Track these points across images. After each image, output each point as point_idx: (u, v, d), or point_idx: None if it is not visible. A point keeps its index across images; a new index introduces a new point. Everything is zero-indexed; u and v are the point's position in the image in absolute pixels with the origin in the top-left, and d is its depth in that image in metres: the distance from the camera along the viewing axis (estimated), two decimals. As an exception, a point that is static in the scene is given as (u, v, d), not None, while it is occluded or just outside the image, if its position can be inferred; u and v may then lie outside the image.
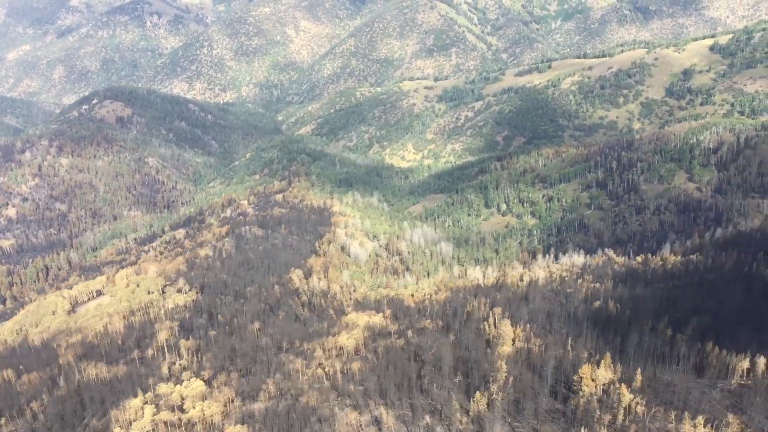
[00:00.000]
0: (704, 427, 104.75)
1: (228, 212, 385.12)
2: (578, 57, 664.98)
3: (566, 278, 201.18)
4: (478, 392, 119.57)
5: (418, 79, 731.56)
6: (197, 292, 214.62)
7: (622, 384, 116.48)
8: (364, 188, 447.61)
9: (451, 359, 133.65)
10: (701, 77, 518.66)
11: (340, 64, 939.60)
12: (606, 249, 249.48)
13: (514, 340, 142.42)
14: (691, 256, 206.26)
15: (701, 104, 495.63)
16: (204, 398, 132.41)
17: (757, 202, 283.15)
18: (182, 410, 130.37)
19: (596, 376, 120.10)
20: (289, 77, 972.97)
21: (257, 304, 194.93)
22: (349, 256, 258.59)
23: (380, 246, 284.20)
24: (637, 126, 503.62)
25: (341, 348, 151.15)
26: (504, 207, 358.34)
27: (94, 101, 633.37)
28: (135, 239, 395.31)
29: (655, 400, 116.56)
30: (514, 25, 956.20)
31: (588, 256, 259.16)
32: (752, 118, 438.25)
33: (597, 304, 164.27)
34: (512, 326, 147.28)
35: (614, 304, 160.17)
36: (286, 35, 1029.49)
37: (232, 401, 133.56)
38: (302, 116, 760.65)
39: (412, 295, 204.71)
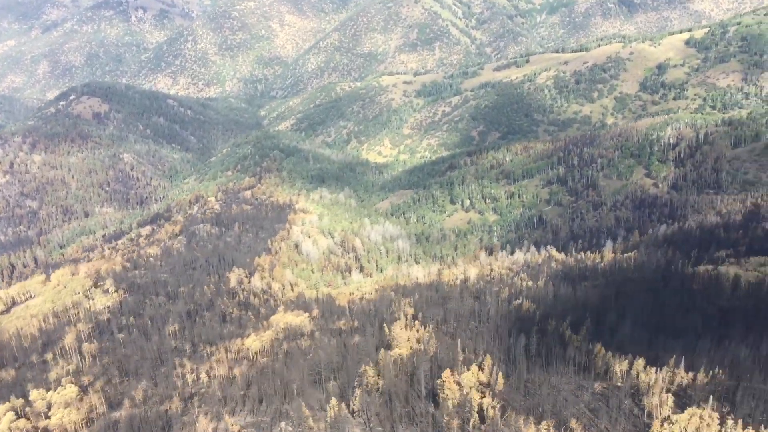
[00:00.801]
0: (550, 431, 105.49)
1: (195, 209, 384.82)
2: (557, 51, 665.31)
3: (504, 276, 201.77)
4: (333, 398, 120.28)
5: (397, 73, 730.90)
6: (125, 293, 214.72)
7: (472, 388, 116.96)
8: (337, 184, 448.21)
9: (327, 363, 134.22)
10: (675, 71, 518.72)
11: (324, 58, 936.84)
12: (548, 246, 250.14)
13: (414, 342, 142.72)
14: (629, 253, 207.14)
15: (674, 99, 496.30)
16: (68, 405, 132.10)
17: (711, 198, 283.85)
18: (48, 417, 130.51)
19: (462, 379, 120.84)
20: (274, 72, 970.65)
21: (185, 305, 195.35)
22: (300, 254, 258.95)
23: (335, 243, 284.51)
24: (610, 120, 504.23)
25: (248, 350, 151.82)
26: (467, 203, 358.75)
27: (72, 97, 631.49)
28: (103, 236, 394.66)
29: (521, 403, 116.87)
30: (499, 19, 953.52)
31: (537, 252, 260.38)
32: (723, 113, 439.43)
33: (516, 303, 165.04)
34: (422, 327, 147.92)
35: (530, 304, 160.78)
36: (270, 29, 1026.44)
37: (98, 408, 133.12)
38: (283, 111, 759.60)
39: (351, 294, 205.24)
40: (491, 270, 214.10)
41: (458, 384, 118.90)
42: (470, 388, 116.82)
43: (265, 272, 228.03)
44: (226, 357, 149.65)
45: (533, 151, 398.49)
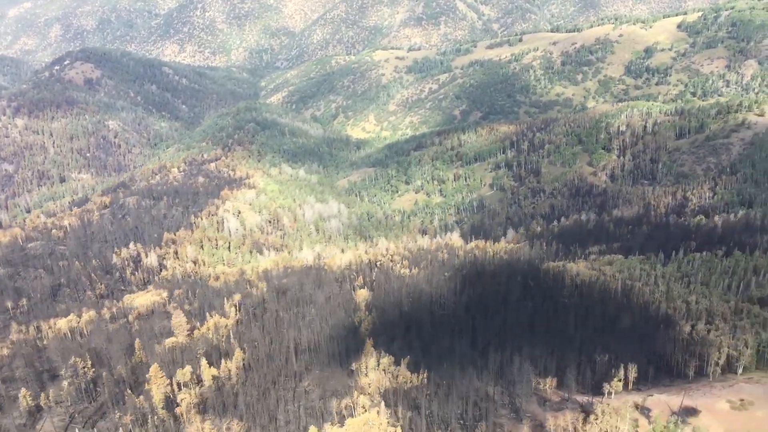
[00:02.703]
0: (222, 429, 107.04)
1: (157, 179, 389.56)
2: (552, 31, 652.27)
3: (386, 262, 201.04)
4: (23, 389, 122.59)
5: (391, 48, 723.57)
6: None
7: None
8: (309, 159, 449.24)
9: (60, 350, 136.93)
10: (662, 56, 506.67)
11: (330, 30, 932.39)
12: (450, 233, 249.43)
13: (213, 330, 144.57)
14: (518, 245, 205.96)
15: (657, 84, 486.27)
16: None
17: (643, 190, 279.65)
18: None
19: (178, 374, 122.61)
20: (280, 42, 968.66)
21: (54, 280, 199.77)
22: (221, 231, 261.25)
23: (265, 221, 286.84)
24: (591, 104, 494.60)
25: (59, 330, 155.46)
26: (418, 184, 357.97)
27: (66, 62, 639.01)
28: (69, 202, 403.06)
29: (238, 399, 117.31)
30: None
31: (466, 238, 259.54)
32: (702, 100, 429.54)
33: (357, 293, 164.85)
34: (235, 314, 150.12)
35: (368, 294, 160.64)
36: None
37: None
38: (280, 83, 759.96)
39: (242, 275, 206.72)
40: (387, 253, 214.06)
41: (171, 378, 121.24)
42: (183, 383, 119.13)
43: (170, 248, 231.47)
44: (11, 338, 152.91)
45: (496, 133, 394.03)
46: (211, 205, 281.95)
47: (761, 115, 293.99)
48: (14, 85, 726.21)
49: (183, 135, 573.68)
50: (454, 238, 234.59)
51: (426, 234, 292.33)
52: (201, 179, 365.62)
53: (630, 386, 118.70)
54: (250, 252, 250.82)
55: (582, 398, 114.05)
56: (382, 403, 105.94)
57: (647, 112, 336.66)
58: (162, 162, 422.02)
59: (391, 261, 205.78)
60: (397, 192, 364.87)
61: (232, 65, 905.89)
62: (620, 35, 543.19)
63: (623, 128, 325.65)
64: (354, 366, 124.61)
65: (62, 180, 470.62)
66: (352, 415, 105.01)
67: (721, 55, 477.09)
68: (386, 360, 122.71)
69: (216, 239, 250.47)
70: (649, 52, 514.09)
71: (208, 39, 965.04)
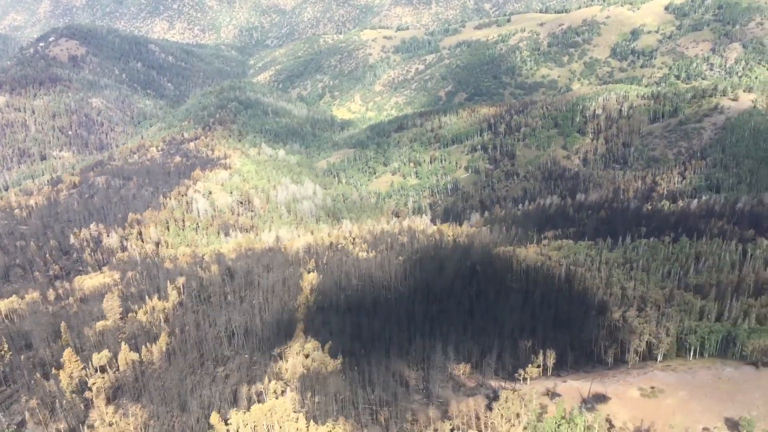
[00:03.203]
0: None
1: (135, 158, 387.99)
2: (541, 11, 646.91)
3: (347, 245, 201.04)
4: None
5: (380, 28, 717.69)
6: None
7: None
8: (292, 140, 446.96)
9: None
10: (648, 38, 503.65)
11: (320, 8, 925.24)
12: (422, 216, 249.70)
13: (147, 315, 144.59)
14: (481, 228, 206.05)
15: (641, 66, 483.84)
16: None
17: (614, 174, 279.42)
18: None
19: (94, 357, 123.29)
20: (271, 20, 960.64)
21: (10, 261, 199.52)
22: (187, 212, 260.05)
23: (236, 202, 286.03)
24: (576, 86, 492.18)
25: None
26: (395, 166, 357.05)
27: (51, 39, 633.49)
28: (48, 180, 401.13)
29: (156, 384, 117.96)
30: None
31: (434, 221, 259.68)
32: (686, 83, 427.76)
33: (307, 276, 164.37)
34: (177, 297, 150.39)
35: (316, 277, 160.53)
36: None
37: None
38: (268, 62, 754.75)
39: (202, 256, 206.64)
40: (349, 236, 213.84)
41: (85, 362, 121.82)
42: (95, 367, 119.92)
43: (134, 229, 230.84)
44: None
45: (476, 115, 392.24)
46: (181, 186, 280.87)
47: (735, 99, 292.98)
48: (1, 61, 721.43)
49: (167, 114, 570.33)
50: (419, 221, 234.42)
51: (398, 216, 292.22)
52: (177, 159, 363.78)
53: (549, 372, 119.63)
54: (217, 233, 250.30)
55: (497, 383, 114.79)
56: (288, 389, 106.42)
57: (624, 95, 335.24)
58: (142, 141, 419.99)
59: (352, 244, 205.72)
60: (375, 173, 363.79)
61: (221, 43, 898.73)
62: (607, 17, 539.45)
63: (599, 112, 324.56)
64: (277, 351, 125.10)
65: (43, 158, 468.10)
66: (264, 401, 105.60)
67: (706, 37, 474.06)
68: (311, 345, 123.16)
69: (183, 220, 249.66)
70: (635, 34, 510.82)
71: (197, 16, 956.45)
